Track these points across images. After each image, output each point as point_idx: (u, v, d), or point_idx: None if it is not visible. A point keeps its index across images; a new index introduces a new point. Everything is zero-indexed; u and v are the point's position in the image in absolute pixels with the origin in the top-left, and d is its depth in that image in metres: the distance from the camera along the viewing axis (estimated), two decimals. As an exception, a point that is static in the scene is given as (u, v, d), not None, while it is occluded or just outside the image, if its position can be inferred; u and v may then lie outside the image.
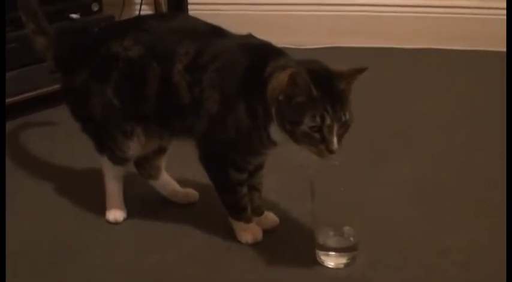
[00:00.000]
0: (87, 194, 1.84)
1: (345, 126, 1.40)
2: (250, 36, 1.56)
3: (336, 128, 1.38)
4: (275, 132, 1.46)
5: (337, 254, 1.51)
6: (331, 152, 1.38)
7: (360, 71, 1.40)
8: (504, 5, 2.78)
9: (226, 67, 1.50)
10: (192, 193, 1.80)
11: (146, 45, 1.55)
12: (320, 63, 1.44)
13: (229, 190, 1.58)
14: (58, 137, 2.21)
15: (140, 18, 1.89)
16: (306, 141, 1.40)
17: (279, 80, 1.40)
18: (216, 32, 1.58)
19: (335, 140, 1.38)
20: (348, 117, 1.39)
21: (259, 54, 1.49)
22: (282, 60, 1.47)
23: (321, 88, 1.37)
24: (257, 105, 1.45)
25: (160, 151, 1.75)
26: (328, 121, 1.37)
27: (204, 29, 1.59)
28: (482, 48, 3.00)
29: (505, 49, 2.46)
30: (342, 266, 1.51)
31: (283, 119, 1.40)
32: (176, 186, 1.81)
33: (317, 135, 1.38)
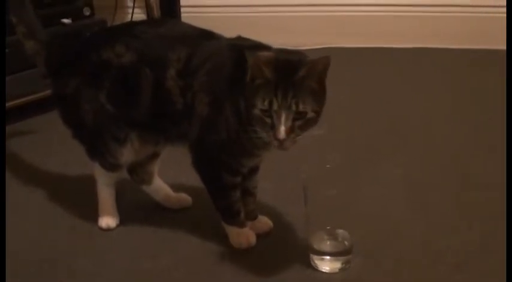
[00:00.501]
0: (80, 200, 1.83)
1: (302, 120, 1.35)
2: (239, 38, 1.55)
3: (284, 115, 1.34)
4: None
5: (332, 258, 1.50)
6: (277, 140, 1.35)
7: (320, 60, 1.35)
8: (501, 2, 2.76)
9: (214, 69, 1.49)
10: (185, 198, 1.79)
11: (138, 51, 1.54)
12: (296, 54, 1.42)
13: (223, 194, 1.57)
14: (51, 143, 2.20)
15: (131, 24, 1.87)
16: (259, 126, 1.38)
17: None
18: (206, 35, 1.57)
19: (282, 128, 1.34)
20: (301, 108, 1.34)
21: (242, 53, 1.46)
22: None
23: (279, 73, 1.34)
24: (240, 101, 1.43)
25: (153, 156, 1.74)
26: (275, 106, 1.34)
27: (194, 34, 1.57)
28: (478, 47, 2.99)
29: (502, 47, 2.44)
30: (337, 270, 1.50)
31: (247, 103, 1.39)
32: (169, 191, 1.79)
33: (268, 121, 1.36)
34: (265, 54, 1.36)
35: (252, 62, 1.36)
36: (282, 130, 1.34)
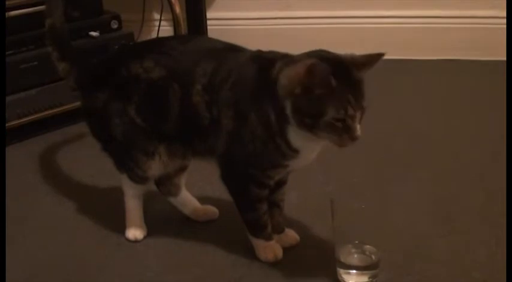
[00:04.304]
0: (107, 212, 1.84)
1: (364, 112, 1.41)
2: (260, 51, 1.55)
3: (358, 116, 1.39)
4: (295, 135, 1.44)
5: (359, 272, 1.50)
6: (354, 139, 1.39)
7: (375, 58, 1.40)
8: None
9: (237, 82, 1.50)
10: (212, 210, 1.80)
11: (167, 67, 1.55)
12: (330, 53, 1.43)
13: (250, 207, 1.57)
14: (79, 154, 2.21)
15: (158, 40, 1.89)
16: (328, 132, 1.39)
17: (293, 73, 1.39)
18: (231, 49, 1.58)
19: (358, 127, 1.39)
20: (365, 104, 1.40)
21: (265, 62, 1.48)
22: (286, 58, 1.46)
23: (339, 78, 1.36)
24: (268, 110, 1.44)
25: (181, 169, 1.75)
26: (351, 111, 1.37)
27: (219, 48, 1.58)
28: (500, 58, 2.96)
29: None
30: (364, 284, 1.50)
31: (302, 114, 1.39)
32: (196, 203, 1.80)
33: (340, 125, 1.38)
34: (318, 61, 1.36)
35: (309, 73, 1.35)
36: (358, 129, 1.39)
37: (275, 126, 1.44)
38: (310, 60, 1.36)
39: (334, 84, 1.35)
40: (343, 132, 1.38)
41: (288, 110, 1.41)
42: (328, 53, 1.44)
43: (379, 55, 1.40)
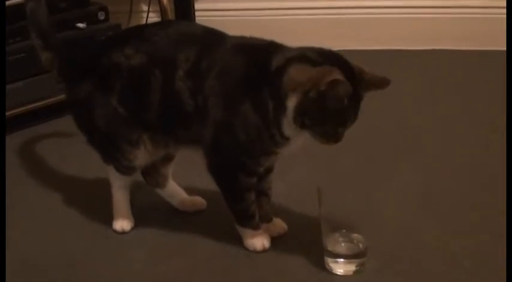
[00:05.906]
0: (95, 203, 1.83)
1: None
2: (244, 37, 1.55)
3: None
4: (288, 125, 1.45)
5: (346, 260, 1.50)
6: (338, 142, 1.45)
7: (383, 84, 1.46)
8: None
9: (225, 71, 1.49)
10: (200, 201, 1.79)
11: (147, 53, 1.54)
12: (342, 60, 1.45)
13: (239, 197, 1.57)
14: (66, 147, 2.20)
15: (139, 27, 1.89)
16: (320, 135, 1.44)
17: (312, 74, 1.39)
18: (212, 34, 1.57)
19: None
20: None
21: (255, 50, 1.49)
22: (287, 51, 1.47)
23: (351, 97, 1.39)
24: (266, 100, 1.44)
25: (167, 159, 1.74)
26: (348, 124, 1.43)
27: (202, 33, 1.58)
28: (495, 48, 2.96)
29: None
30: (351, 273, 1.50)
31: (305, 114, 1.41)
32: (183, 194, 1.80)
33: (332, 132, 1.43)
34: (345, 83, 1.36)
35: (331, 86, 1.36)
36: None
37: (271, 115, 1.45)
38: (335, 71, 1.38)
39: (346, 103, 1.38)
40: (332, 136, 1.43)
41: (290, 104, 1.42)
42: (336, 57, 1.45)
43: (387, 82, 1.47)
